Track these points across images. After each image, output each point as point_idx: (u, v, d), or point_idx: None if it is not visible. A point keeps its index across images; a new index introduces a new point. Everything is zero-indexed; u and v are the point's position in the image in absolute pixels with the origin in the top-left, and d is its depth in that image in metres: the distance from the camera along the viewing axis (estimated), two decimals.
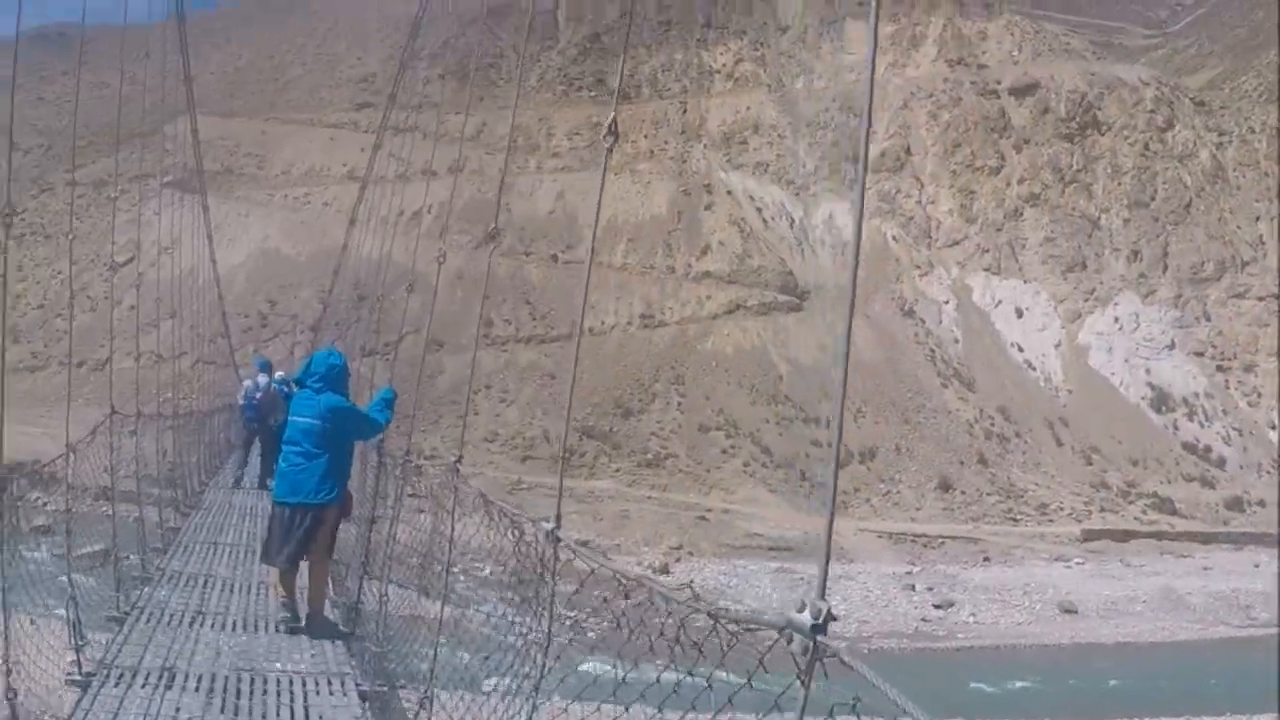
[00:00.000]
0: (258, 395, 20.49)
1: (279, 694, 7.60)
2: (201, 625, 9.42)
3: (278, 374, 21.30)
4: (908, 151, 74.54)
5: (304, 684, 7.85)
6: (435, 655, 7.89)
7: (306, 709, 7.34)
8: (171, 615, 9.70)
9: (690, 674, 3.66)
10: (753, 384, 58.15)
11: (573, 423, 53.97)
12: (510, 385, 55.84)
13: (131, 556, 11.69)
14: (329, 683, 7.96)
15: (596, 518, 44.46)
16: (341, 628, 9.66)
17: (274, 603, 9.77)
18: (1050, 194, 71.31)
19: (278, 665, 8.30)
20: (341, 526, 10.10)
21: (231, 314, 48.16)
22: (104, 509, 10.64)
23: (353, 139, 75.71)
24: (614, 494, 48.96)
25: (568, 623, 34.01)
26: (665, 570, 39.82)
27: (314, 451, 9.00)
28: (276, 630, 9.35)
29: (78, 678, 7.61)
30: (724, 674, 3.51)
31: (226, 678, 7.78)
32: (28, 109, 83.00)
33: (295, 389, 18.15)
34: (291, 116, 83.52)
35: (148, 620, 9.45)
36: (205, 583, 11.43)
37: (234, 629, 9.49)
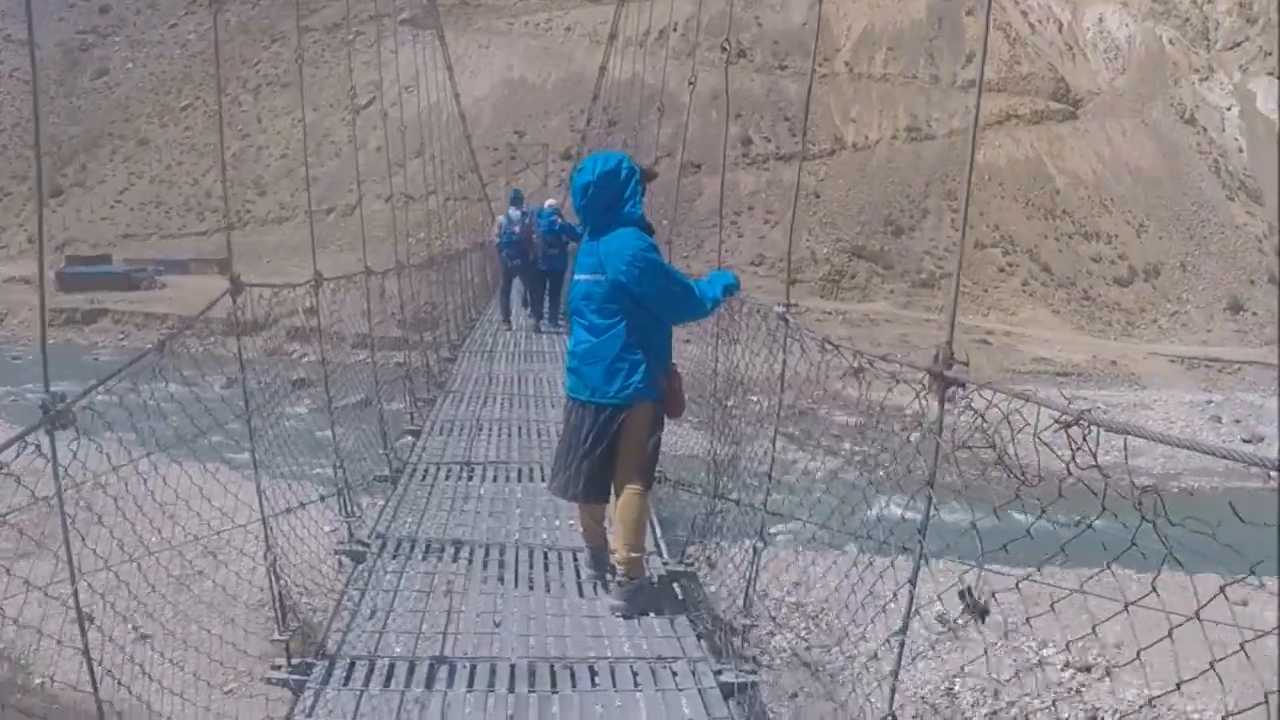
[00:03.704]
0: (515, 229, 19.19)
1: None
2: (482, 477, 8.80)
3: (548, 202, 19.75)
4: None
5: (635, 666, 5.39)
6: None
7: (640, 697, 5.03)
8: (449, 469, 9.04)
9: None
10: (1028, 197, 55.35)
11: (841, 242, 52.45)
12: (775, 205, 54.17)
13: (398, 405, 11.29)
14: (671, 672, 5.25)
15: (874, 342, 42.87)
16: (678, 595, 6.48)
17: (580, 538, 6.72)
18: None
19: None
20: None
21: (479, 147, 47.42)
22: (363, 357, 9.81)
23: None
24: (890, 316, 47.40)
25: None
26: (951, 398, 38.26)
27: (600, 323, 5.85)
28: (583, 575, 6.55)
29: (348, 548, 6.82)
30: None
31: (516, 549, 6.87)
32: None
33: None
34: None
35: (423, 478, 8.74)
36: (478, 429, 10.85)
37: (515, 478, 8.82)
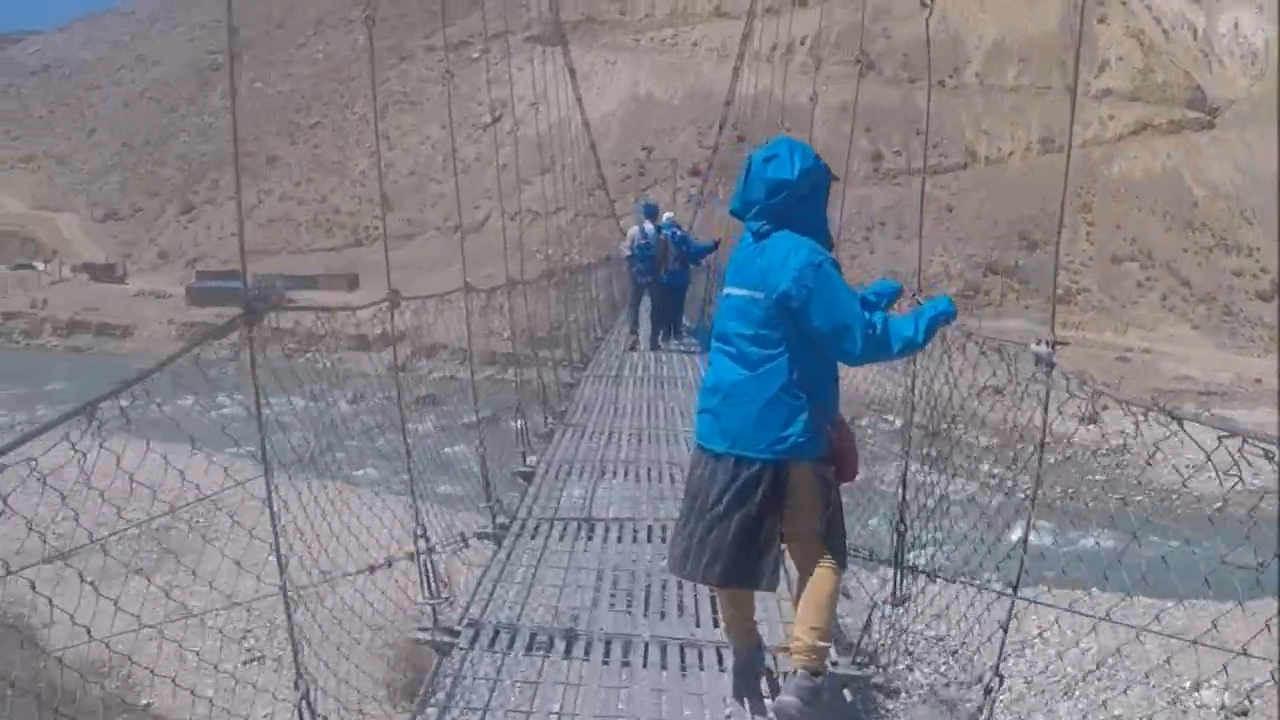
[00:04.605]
0: (649, 244, 18.20)
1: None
2: (605, 538, 7.46)
3: (666, 216, 18.82)
4: None
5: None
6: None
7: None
8: (564, 525, 7.74)
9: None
10: (1165, 210, 54.09)
11: (974, 257, 51.72)
12: (907, 221, 53.59)
13: (515, 424, 10.06)
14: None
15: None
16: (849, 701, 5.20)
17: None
18: None
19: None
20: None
21: (607, 163, 47.43)
22: (485, 375, 9.05)
23: None
24: (1025, 333, 46.59)
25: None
26: (1093, 419, 37.46)
27: (755, 353, 4.42)
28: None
29: (432, 637, 5.48)
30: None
31: (646, 644, 5.42)
32: None
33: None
34: None
35: (531, 537, 7.44)
36: (601, 473, 9.49)
37: (644, 538, 7.47)
